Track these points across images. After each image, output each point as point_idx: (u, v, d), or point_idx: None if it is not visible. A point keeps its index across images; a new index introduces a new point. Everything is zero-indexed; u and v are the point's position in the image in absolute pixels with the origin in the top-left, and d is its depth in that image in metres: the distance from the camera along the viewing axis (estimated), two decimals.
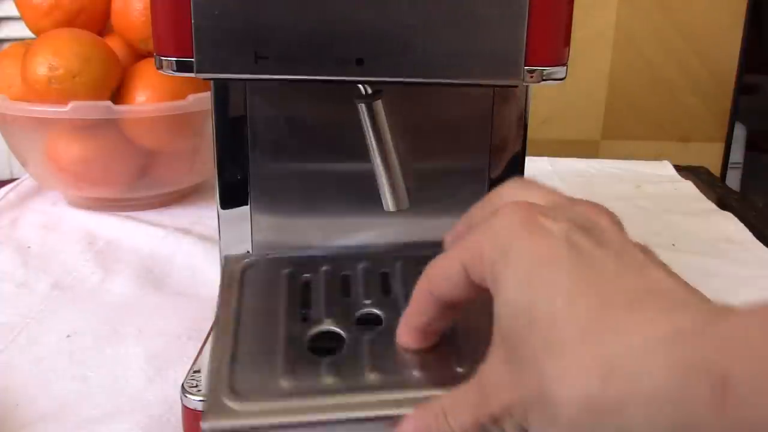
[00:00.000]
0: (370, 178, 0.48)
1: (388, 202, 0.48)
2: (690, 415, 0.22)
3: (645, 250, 0.30)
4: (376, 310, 0.45)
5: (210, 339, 0.51)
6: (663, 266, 0.28)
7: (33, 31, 0.80)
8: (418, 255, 0.37)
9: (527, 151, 0.53)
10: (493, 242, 0.29)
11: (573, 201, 0.32)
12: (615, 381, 0.23)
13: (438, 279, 0.33)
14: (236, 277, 0.51)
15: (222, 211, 0.54)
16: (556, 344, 0.25)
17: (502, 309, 0.28)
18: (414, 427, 0.31)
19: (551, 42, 0.41)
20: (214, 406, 0.36)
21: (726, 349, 0.22)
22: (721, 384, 0.21)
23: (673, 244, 0.76)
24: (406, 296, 0.36)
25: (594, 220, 0.30)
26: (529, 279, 0.27)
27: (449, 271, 0.32)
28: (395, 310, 0.41)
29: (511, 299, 0.28)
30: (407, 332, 0.35)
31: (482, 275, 0.30)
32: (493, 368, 0.29)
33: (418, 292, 0.34)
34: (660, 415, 0.22)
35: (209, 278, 0.66)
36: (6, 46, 0.99)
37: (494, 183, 0.53)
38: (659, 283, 0.26)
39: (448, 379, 0.34)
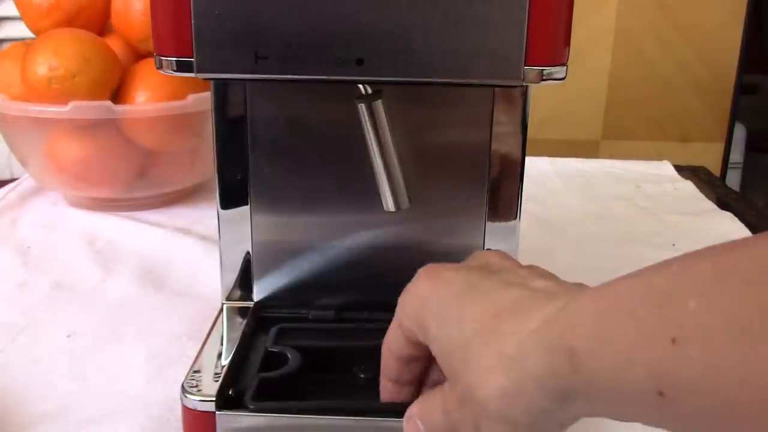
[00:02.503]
0: (370, 178, 0.48)
1: (388, 202, 0.48)
2: (561, 381, 0.29)
3: (531, 268, 0.37)
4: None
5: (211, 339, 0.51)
6: (544, 276, 0.36)
7: (33, 31, 0.80)
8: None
9: (527, 151, 0.53)
10: (410, 301, 0.38)
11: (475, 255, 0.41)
12: (513, 371, 0.31)
13: (389, 342, 0.40)
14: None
15: (222, 211, 0.54)
16: (469, 359, 0.33)
17: (433, 347, 0.36)
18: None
19: (551, 42, 0.41)
20: None
21: (570, 327, 0.29)
22: (571, 354, 0.28)
23: (673, 244, 0.76)
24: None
25: (486, 260, 0.39)
26: (442, 318, 0.35)
27: (394, 334, 0.39)
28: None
29: (434, 337, 0.36)
30: (385, 387, 0.42)
31: (413, 330, 0.37)
32: (445, 387, 0.36)
33: (383, 352, 0.41)
34: (546, 386, 0.29)
35: (209, 278, 0.66)
36: (6, 46, 1.00)
37: (494, 183, 0.53)
38: (537, 288, 0.34)
39: None
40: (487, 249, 0.40)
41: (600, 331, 0.28)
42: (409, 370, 0.41)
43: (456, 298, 0.35)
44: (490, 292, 0.35)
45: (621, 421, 0.29)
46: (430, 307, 0.36)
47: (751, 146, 1.67)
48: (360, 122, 0.46)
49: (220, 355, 0.49)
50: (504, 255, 0.40)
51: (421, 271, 0.39)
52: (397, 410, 0.39)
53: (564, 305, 0.30)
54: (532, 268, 0.38)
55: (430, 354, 0.38)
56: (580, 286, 0.33)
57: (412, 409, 0.38)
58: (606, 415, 0.29)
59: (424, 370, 0.41)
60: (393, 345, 0.40)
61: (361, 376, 0.48)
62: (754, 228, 0.81)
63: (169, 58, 0.42)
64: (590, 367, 0.28)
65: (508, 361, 0.31)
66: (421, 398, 0.39)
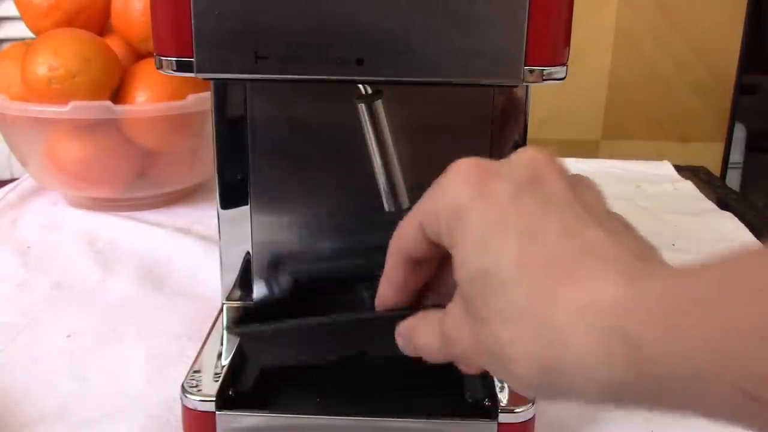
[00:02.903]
0: (370, 178, 0.48)
1: (388, 202, 0.48)
2: (614, 373, 0.26)
3: (579, 197, 0.33)
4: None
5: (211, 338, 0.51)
6: (600, 221, 0.31)
7: (33, 31, 0.80)
8: None
9: None
10: (444, 203, 0.32)
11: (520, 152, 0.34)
12: (554, 346, 0.27)
13: (402, 238, 0.35)
14: None
15: (222, 211, 0.54)
16: (507, 311, 0.28)
17: (459, 268, 0.31)
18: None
19: (551, 42, 0.41)
20: None
21: (638, 315, 0.25)
22: (635, 346, 0.25)
23: (673, 244, 0.76)
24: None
25: (540, 172, 0.32)
26: (482, 244, 0.30)
27: (409, 230, 0.34)
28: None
29: (466, 262, 0.30)
30: (385, 289, 0.37)
31: (438, 234, 0.32)
32: (454, 315, 0.32)
33: (390, 251, 0.36)
34: (592, 373, 0.26)
35: (209, 278, 0.66)
36: (6, 46, 1.00)
37: None
38: (593, 244, 0.29)
39: None
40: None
41: (672, 323, 0.25)
42: (415, 274, 0.36)
43: (501, 220, 0.30)
44: (541, 230, 0.29)
45: (673, 414, 0.26)
46: (466, 220, 0.30)
47: (751, 146, 1.67)
48: (360, 122, 0.46)
49: (220, 355, 0.49)
50: (550, 162, 0.33)
51: (462, 169, 0.32)
52: (399, 316, 0.37)
53: (628, 287, 0.26)
54: (580, 198, 0.33)
55: (441, 258, 0.34)
56: (639, 252, 0.29)
57: (403, 325, 0.36)
58: (659, 409, 0.26)
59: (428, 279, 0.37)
60: (406, 242, 0.35)
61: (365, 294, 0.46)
62: (754, 228, 0.81)
63: (169, 58, 0.41)
64: (654, 362, 0.25)
65: (550, 334, 0.27)
66: (418, 317, 0.36)
